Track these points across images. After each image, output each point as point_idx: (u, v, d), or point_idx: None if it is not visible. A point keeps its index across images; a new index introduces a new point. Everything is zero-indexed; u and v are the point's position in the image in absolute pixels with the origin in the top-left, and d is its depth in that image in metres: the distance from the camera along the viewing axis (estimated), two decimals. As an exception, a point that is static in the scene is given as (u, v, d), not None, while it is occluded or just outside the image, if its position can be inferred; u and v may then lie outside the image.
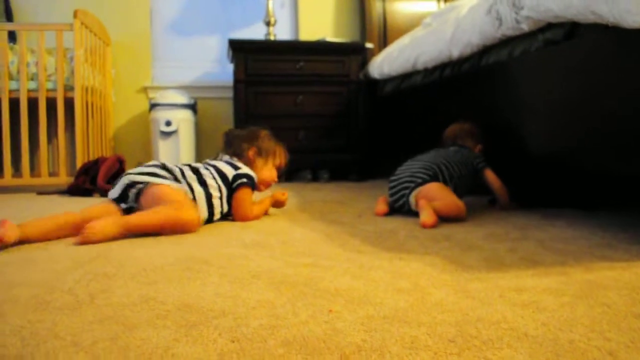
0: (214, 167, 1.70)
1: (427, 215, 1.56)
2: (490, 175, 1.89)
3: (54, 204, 2.22)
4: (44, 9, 3.51)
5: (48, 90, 2.81)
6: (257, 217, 1.74)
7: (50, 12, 3.50)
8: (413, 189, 1.73)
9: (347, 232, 1.46)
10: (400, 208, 1.79)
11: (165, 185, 1.49)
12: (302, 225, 1.60)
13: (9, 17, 3.38)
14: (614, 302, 0.82)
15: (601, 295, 0.86)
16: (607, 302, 0.82)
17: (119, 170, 2.61)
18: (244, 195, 1.70)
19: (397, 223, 1.61)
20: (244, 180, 1.70)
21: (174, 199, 1.45)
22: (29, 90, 2.78)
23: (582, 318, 0.75)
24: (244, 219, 1.70)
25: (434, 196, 1.66)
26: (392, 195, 1.81)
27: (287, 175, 3.57)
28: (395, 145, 3.13)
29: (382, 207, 1.80)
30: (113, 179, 2.57)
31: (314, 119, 3.25)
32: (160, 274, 1.01)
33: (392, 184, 1.82)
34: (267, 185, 1.86)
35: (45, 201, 2.33)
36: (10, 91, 2.79)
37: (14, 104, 2.79)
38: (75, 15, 2.77)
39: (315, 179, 3.45)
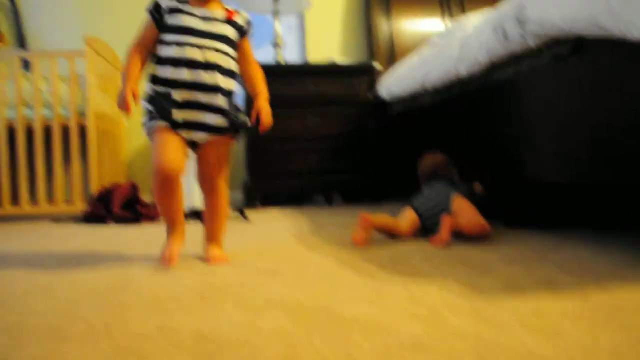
0: None
1: (439, 235, 1.62)
2: (477, 187, 1.98)
3: (72, 230, 2.24)
4: (57, 34, 3.58)
5: (61, 117, 2.85)
6: None
7: (63, 36, 3.57)
8: (454, 191, 1.78)
9: (361, 257, 1.45)
10: (435, 223, 1.75)
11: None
12: (316, 250, 1.59)
13: (22, 43, 3.45)
14: (636, 326, 0.81)
15: (622, 318, 0.85)
16: (628, 326, 0.81)
17: (133, 196, 2.63)
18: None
19: (412, 246, 1.60)
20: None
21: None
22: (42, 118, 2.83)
23: (603, 343, 0.74)
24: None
25: (462, 213, 1.69)
26: (427, 206, 1.79)
27: (298, 199, 3.57)
28: (407, 166, 3.12)
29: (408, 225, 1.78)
30: (127, 205, 2.59)
31: (324, 140, 3.24)
32: (175, 303, 1.01)
33: (424, 200, 1.82)
34: None
35: (63, 229, 2.35)
36: (11, 119, 2.84)
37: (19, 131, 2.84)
38: (86, 42, 2.82)
39: (328, 202, 3.44)
